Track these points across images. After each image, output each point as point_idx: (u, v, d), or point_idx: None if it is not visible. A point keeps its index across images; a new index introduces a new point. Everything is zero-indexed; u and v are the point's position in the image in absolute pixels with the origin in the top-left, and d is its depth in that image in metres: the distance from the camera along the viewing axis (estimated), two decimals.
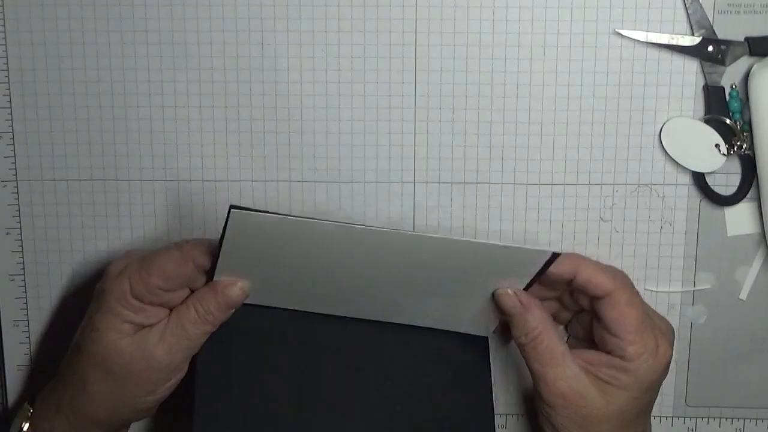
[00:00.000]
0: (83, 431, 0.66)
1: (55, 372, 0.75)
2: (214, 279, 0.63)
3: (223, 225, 0.59)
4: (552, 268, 0.62)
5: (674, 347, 0.72)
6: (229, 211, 0.58)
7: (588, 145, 0.70)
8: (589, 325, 0.67)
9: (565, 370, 0.64)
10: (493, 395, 0.68)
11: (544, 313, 0.65)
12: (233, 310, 0.64)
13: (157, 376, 0.64)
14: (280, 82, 0.70)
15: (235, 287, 0.63)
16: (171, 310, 0.64)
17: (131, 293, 0.63)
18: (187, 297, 0.64)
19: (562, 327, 0.71)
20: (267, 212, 0.58)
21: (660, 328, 0.65)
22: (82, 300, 0.73)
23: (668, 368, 0.65)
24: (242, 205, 0.58)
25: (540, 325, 0.64)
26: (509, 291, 0.64)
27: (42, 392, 0.68)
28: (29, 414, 0.67)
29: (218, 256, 0.61)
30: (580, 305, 0.67)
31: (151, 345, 0.63)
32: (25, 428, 0.67)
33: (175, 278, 0.63)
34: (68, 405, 0.65)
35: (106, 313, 0.63)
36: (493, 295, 0.64)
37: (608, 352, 0.64)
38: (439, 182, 0.71)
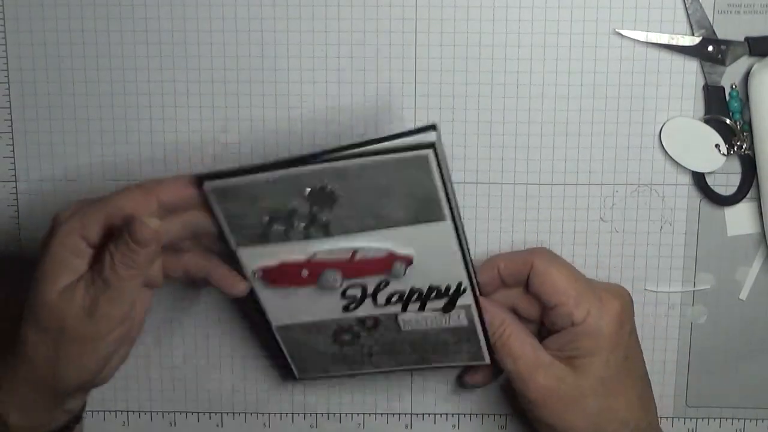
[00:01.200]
0: (30, 397, 0.63)
1: None
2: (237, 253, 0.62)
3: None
4: (479, 277, 0.64)
5: (674, 347, 0.73)
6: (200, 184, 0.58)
7: (588, 145, 0.70)
8: (543, 329, 0.67)
9: (538, 360, 0.64)
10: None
11: (504, 311, 0.65)
12: (152, 250, 0.60)
13: (90, 339, 0.60)
14: (280, 82, 0.70)
15: (141, 225, 0.58)
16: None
17: (80, 231, 0.59)
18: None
19: None
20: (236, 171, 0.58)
21: (602, 287, 0.65)
22: None
23: (627, 322, 0.65)
24: (209, 172, 0.58)
25: (503, 323, 0.64)
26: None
27: None
28: None
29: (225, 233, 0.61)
30: (532, 316, 0.67)
31: (78, 300, 0.60)
32: None
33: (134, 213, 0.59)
34: (11, 372, 0.62)
35: (47, 259, 0.60)
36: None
37: (563, 329, 0.64)
38: None
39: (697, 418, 0.74)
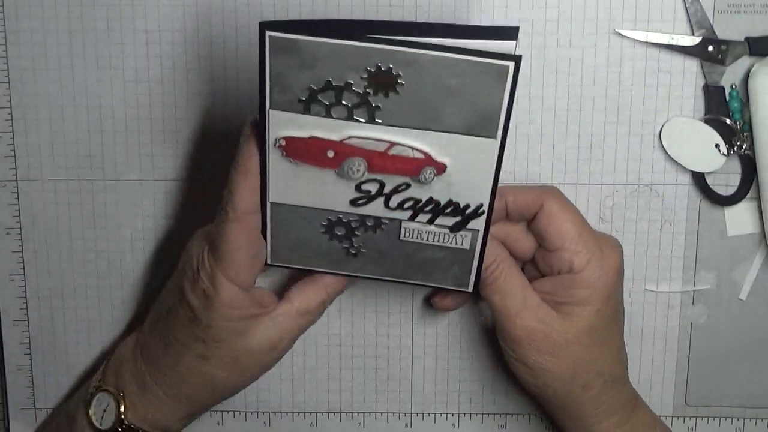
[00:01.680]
0: (199, 412, 0.68)
1: (55, 374, 0.75)
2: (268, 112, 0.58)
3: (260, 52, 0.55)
4: None
5: (674, 347, 0.73)
6: (263, 34, 0.54)
7: (588, 145, 0.70)
8: (535, 268, 0.66)
9: (526, 301, 0.63)
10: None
11: (500, 246, 0.64)
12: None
13: (280, 356, 0.66)
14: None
15: (337, 281, 0.66)
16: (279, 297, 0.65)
17: (240, 287, 0.62)
18: (314, 281, 0.66)
19: None
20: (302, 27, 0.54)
21: (603, 238, 0.65)
22: (82, 300, 0.74)
23: (621, 274, 0.65)
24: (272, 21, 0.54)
25: (497, 257, 0.64)
26: None
27: (122, 375, 0.67)
28: (121, 397, 0.67)
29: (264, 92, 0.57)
30: (524, 253, 0.66)
31: (277, 339, 0.65)
32: (122, 411, 0.67)
33: (255, 240, 0.62)
34: (191, 395, 0.66)
35: (225, 321, 0.63)
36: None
37: (558, 273, 0.64)
38: None
39: (696, 418, 0.74)
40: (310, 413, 0.75)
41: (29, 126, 0.71)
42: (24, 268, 0.73)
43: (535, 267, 0.66)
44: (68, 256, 0.73)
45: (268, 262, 0.65)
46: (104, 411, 0.67)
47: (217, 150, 0.71)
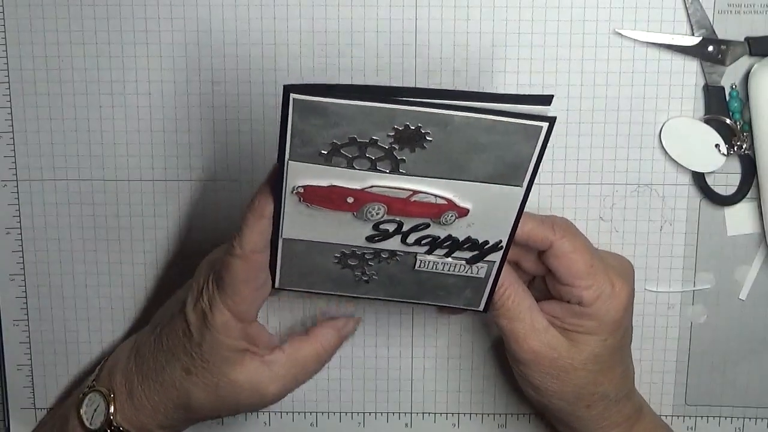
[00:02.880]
0: (182, 423, 0.68)
1: (55, 374, 0.75)
2: (285, 164, 0.57)
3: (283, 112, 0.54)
4: None
5: (674, 347, 0.73)
6: (287, 97, 0.53)
7: (588, 145, 0.70)
8: (545, 284, 0.66)
9: (534, 324, 0.64)
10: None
11: (509, 269, 0.64)
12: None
13: (265, 404, 0.67)
14: (280, 81, 0.70)
15: (351, 323, 0.69)
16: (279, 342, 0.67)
17: (235, 317, 0.63)
18: (305, 337, 0.68)
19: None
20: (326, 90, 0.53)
21: (614, 267, 0.64)
22: (82, 300, 0.73)
23: (631, 305, 0.65)
24: (297, 84, 0.53)
25: (506, 281, 0.64)
26: None
27: (115, 377, 0.68)
28: (111, 398, 0.67)
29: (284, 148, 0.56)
30: (534, 271, 0.66)
31: (267, 383, 0.66)
32: (111, 413, 0.67)
33: (258, 277, 0.62)
34: (171, 408, 0.66)
35: (214, 345, 0.63)
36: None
37: (567, 302, 0.64)
38: None
39: (696, 417, 0.74)
40: (310, 413, 0.75)
41: (29, 126, 0.71)
42: (24, 268, 0.73)
43: (544, 283, 0.66)
44: (68, 256, 0.73)
45: (276, 286, 0.64)
46: (95, 411, 0.67)
47: (218, 150, 0.71)
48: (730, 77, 0.68)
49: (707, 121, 0.69)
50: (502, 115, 0.53)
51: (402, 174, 0.56)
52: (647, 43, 0.68)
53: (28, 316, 0.74)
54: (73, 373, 0.75)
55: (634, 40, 0.68)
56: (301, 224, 0.60)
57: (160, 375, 0.66)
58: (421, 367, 0.74)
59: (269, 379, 0.65)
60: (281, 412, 0.75)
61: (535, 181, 0.69)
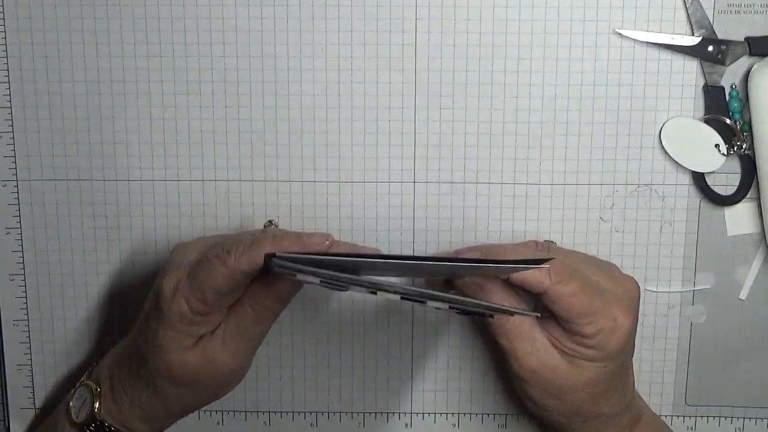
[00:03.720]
0: (160, 417, 0.68)
1: (55, 374, 0.75)
2: None
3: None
4: (484, 287, 0.64)
5: (674, 347, 0.73)
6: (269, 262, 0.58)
7: (588, 145, 0.70)
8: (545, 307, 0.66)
9: (534, 344, 0.64)
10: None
11: (506, 288, 0.64)
12: (290, 301, 0.65)
13: (225, 378, 0.66)
14: (280, 81, 0.70)
15: (285, 280, 0.63)
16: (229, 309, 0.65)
17: (191, 311, 0.63)
18: (242, 297, 0.64)
19: None
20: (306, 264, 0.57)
21: (617, 297, 0.64)
22: (82, 300, 0.74)
23: (634, 332, 0.64)
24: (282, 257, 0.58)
25: (504, 301, 0.63)
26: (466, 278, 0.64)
27: (102, 371, 0.68)
28: (97, 392, 0.67)
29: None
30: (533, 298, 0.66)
31: (215, 353, 0.64)
32: (96, 407, 0.67)
33: (230, 291, 0.63)
34: (144, 400, 0.66)
35: (168, 329, 0.63)
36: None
37: (569, 331, 0.64)
38: (439, 182, 0.71)
39: (696, 417, 0.74)
40: (310, 413, 0.75)
41: (29, 126, 0.71)
42: (24, 268, 0.73)
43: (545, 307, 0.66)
44: (68, 256, 0.73)
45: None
46: (82, 404, 0.68)
47: (218, 151, 0.71)
48: (730, 77, 0.68)
49: (707, 121, 0.69)
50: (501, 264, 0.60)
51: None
52: (647, 43, 0.68)
53: (28, 316, 0.74)
54: (73, 373, 0.75)
55: (634, 40, 0.68)
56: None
57: (132, 367, 0.66)
58: (421, 367, 0.74)
59: (218, 350, 0.64)
60: (281, 412, 0.75)
61: (536, 181, 0.70)
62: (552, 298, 0.62)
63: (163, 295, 0.63)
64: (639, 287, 0.66)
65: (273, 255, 0.59)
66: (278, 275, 0.62)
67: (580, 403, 0.64)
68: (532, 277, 0.62)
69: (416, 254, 0.68)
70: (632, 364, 0.68)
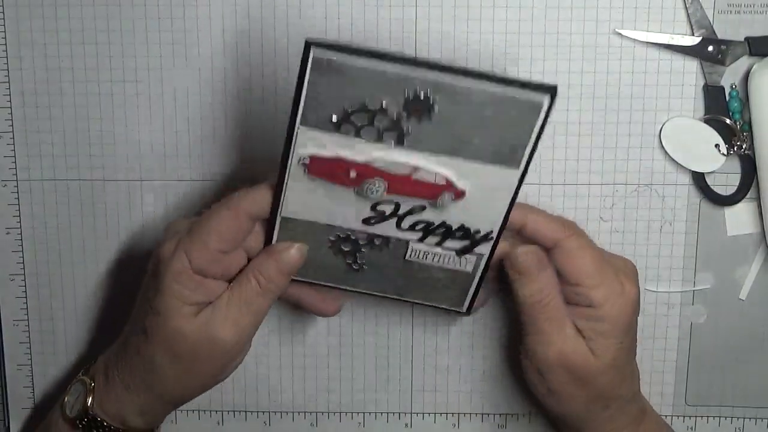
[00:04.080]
0: (155, 406, 0.66)
1: (55, 374, 0.75)
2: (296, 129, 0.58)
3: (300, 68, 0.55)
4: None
5: (674, 347, 0.73)
6: (307, 50, 0.54)
7: (588, 145, 0.70)
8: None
9: (566, 330, 0.64)
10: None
11: (551, 274, 0.64)
12: (292, 275, 0.63)
13: (225, 356, 0.64)
14: (281, 81, 0.70)
15: (291, 250, 0.62)
16: (229, 284, 0.63)
17: (192, 268, 0.61)
18: (245, 268, 0.63)
19: None
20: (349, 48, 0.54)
21: (621, 269, 0.64)
22: (82, 300, 0.74)
23: (639, 305, 0.65)
24: (319, 41, 0.54)
25: (549, 284, 0.64)
26: (530, 249, 0.63)
27: (97, 365, 0.67)
28: (91, 387, 0.66)
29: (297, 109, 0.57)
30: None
31: (217, 326, 0.62)
32: (89, 402, 0.66)
33: (233, 236, 0.61)
34: (140, 383, 0.65)
35: (165, 295, 0.62)
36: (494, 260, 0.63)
37: (578, 305, 0.64)
38: None
39: (696, 417, 0.74)
40: (310, 413, 0.75)
41: (29, 126, 0.71)
42: (24, 268, 0.73)
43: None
44: (68, 256, 0.73)
45: None
46: (76, 399, 0.67)
47: (218, 151, 0.71)
48: (730, 77, 0.68)
49: (707, 121, 0.69)
50: (506, 83, 0.55)
51: (406, 148, 0.57)
52: (647, 43, 0.68)
53: (28, 316, 0.74)
54: (72, 373, 0.75)
55: (634, 40, 0.68)
56: (302, 201, 0.60)
57: (129, 348, 0.65)
58: (421, 367, 0.74)
59: (220, 322, 0.62)
60: (281, 413, 0.75)
61: (536, 180, 0.70)
62: (563, 251, 0.63)
63: (162, 258, 0.62)
64: (635, 267, 0.66)
65: (310, 42, 0.54)
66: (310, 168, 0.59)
67: (602, 387, 0.64)
68: (546, 227, 0.63)
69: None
70: (636, 349, 0.68)
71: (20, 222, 0.73)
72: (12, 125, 0.71)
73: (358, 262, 0.63)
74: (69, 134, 0.71)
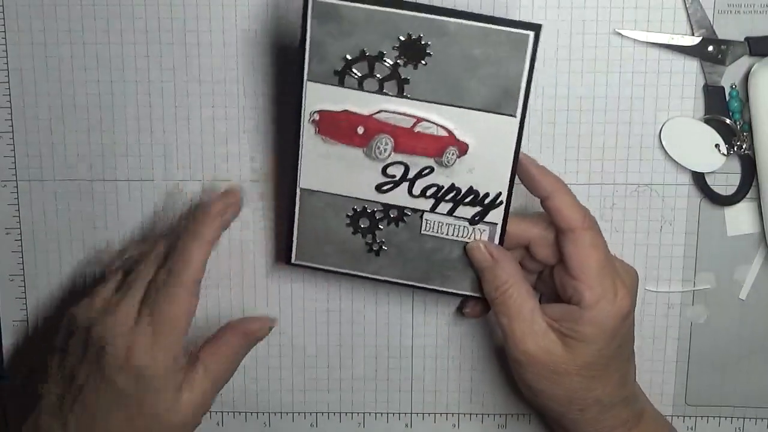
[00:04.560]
0: None
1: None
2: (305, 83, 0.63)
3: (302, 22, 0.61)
4: (533, 180, 0.63)
5: (674, 347, 0.73)
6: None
7: (588, 145, 0.70)
8: (551, 278, 0.66)
9: (533, 326, 0.63)
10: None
11: (515, 266, 0.64)
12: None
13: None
14: (280, 82, 0.70)
15: (256, 323, 0.68)
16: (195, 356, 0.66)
17: (174, 358, 0.63)
18: (217, 342, 0.67)
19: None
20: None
21: (621, 276, 0.64)
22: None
23: (629, 316, 0.64)
24: None
25: (511, 278, 0.64)
26: (480, 244, 0.64)
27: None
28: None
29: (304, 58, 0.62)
30: (544, 258, 0.66)
31: (205, 393, 0.65)
32: None
33: (193, 309, 0.64)
34: None
35: (154, 394, 0.63)
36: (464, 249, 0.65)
37: (567, 300, 0.64)
38: None
39: (696, 417, 0.74)
40: (310, 413, 0.75)
41: (29, 126, 0.71)
42: (24, 268, 0.73)
43: (551, 278, 0.66)
44: (68, 256, 0.73)
45: (293, 260, 0.67)
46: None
47: (218, 152, 0.71)
48: (730, 77, 0.68)
49: (707, 121, 0.69)
50: (491, 22, 0.60)
51: (406, 98, 0.62)
52: (647, 43, 0.68)
53: (28, 315, 0.74)
54: None
55: (634, 40, 0.68)
56: (317, 167, 0.64)
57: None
58: (421, 367, 0.74)
59: (189, 401, 0.65)
60: (281, 413, 0.75)
61: None
62: (575, 242, 0.63)
63: (139, 370, 0.62)
64: (637, 276, 0.67)
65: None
66: None
67: (574, 387, 0.64)
68: (569, 210, 0.63)
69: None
70: (634, 354, 0.68)
71: (20, 222, 0.73)
72: (12, 125, 0.71)
73: (377, 241, 0.65)
74: (69, 134, 0.71)
